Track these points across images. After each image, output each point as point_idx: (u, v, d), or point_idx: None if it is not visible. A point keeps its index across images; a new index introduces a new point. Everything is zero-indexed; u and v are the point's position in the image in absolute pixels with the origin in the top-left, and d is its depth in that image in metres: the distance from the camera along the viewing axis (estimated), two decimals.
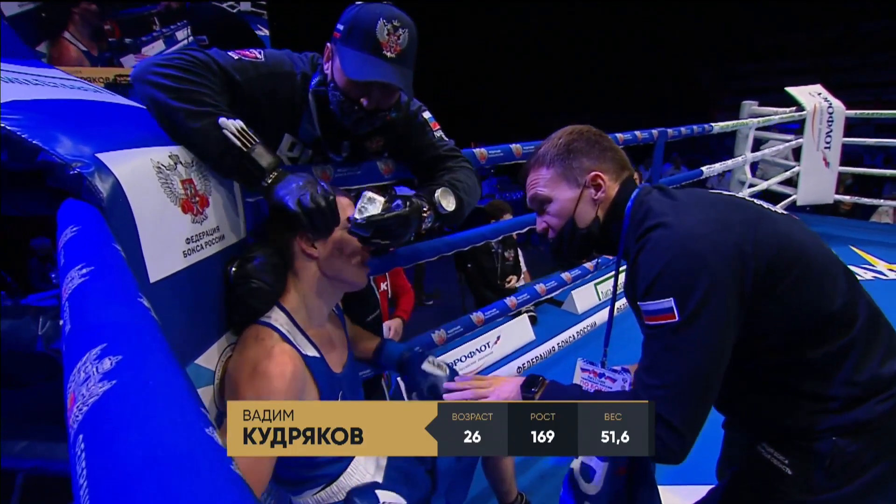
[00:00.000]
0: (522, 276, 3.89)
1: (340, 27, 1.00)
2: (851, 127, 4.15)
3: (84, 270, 0.37)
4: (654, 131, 2.42)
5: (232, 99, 0.97)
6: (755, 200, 0.87)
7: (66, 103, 0.76)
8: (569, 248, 0.94)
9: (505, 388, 0.93)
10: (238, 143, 0.84)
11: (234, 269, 0.88)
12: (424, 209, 1.03)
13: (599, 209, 0.91)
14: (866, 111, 4.16)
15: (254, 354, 0.83)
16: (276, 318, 0.90)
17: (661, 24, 12.89)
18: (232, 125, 0.84)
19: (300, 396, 0.86)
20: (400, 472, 1.07)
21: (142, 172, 0.71)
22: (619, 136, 2.05)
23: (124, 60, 4.19)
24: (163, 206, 0.74)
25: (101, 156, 0.65)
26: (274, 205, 0.88)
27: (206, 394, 0.84)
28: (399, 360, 1.18)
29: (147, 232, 0.69)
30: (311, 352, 0.92)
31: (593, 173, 0.89)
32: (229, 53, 1.00)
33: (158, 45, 4.60)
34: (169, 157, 0.78)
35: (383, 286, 2.33)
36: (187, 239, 0.79)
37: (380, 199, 0.93)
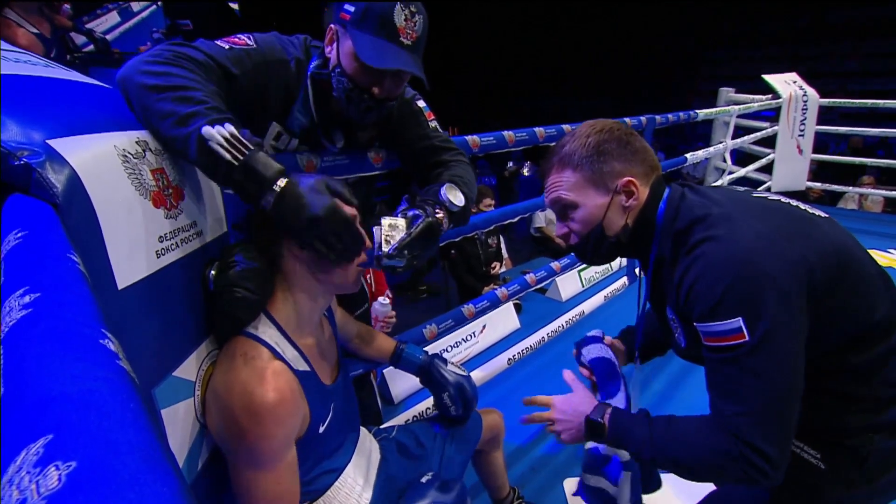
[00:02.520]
0: (504, 262, 3.87)
1: (350, 8, 0.91)
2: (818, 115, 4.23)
3: (27, 299, 0.28)
4: (643, 118, 2.38)
5: (228, 93, 0.87)
6: (792, 202, 0.82)
7: (10, 79, 0.65)
8: (593, 255, 0.88)
9: (574, 426, 0.92)
10: (227, 157, 0.70)
11: (213, 272, 0.78)
12: (438, 213, 0.96)
13: (629, 216, 0.84)
14: (839, 100, 4.25)
15: (244, 378, 0.74)
16: (264, 329, 0.81)
17: (633, 9, 12.85)
18: (218, 134, 0.69)
19: (297, 418, 0.80)
20: (392, 482, 1.02)
21: (104, 161, 0.61)
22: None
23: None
24: (131, 201, 0.64)
25: (54, 142, 0.54)
26: (292, 232, 0.76)
27: (186, 407, 0.75)
28: (421, 366, 1.18)
29: (113, 231, 0.59)
30: (302, 366, 0.84)
31: (626, 179, 0.82)
32: (217, 43, 0.90)
33: (112, 18, 4.17)
34: (136, 143, 0.68)
35: (367, 277, 2.24)
36: (160, 237, 0.69)
37: (400, 222, 0.86)
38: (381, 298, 1.83)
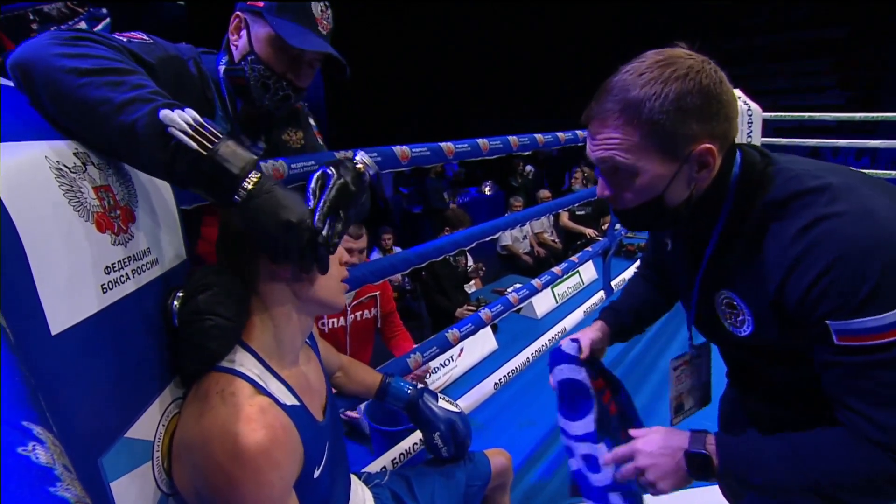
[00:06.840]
0: (473, 281, 3.81)
1: None
2: None
3: None
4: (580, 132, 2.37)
5: None
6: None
7: None
8: (643, 224, 0.75)
9: (669, 468, 0.73)
10: (194, 146, 0.58)
11: (178, 303, 0.66)
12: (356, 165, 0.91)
13: (695, 187, 0.68)
14: (779, 113, 4.52)
15: (225, 418, 0.62)
16: (242, 361, 0.70)
17: (563, 31, 13.03)
18: (180, 118, 0.57)
19: (294, 459, 0.68)
20: None
21: (32, 176, 0.49)
22: (560, 135, 1.99)
23: None
24: (68, 225, 0.52)
25: None
26: (255, 233, 0.63)
27: (143, 474, 0.61)
28: (409, 400, 1.08)
29: (44, 263, 0.47)
30: (291, 400, 0.72)
31: (703, 146, 0.64)
32: (114, 35, 0.78)
33: None
34: (74, 154, 0.56)
35: (371, 311, 2.08)
36: (106, 268, 0.57)
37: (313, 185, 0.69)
38: None
